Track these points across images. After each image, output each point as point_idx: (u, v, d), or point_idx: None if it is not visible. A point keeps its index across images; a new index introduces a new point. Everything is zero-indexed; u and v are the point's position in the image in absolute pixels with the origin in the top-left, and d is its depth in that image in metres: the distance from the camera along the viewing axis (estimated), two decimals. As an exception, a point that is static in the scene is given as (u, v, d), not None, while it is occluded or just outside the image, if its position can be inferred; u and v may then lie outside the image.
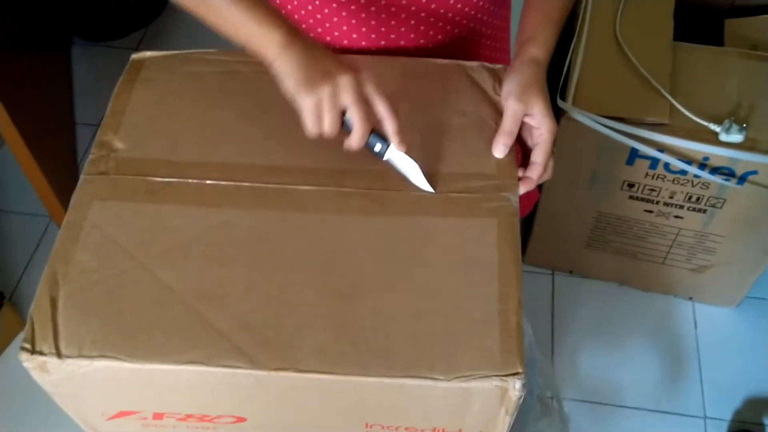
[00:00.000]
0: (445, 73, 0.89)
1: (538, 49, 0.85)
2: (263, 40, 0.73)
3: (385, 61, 0.90)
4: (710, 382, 1.61)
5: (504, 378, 0.65)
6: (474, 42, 0.97)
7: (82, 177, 0.78)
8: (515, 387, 0.65)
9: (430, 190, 0.77)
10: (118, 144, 0.81)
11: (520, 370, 0.65)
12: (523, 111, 0.80)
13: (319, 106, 0.71)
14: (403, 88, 0.87)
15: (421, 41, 0.93)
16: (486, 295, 0.70)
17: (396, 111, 0.74)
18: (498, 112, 0.83)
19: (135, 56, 0.90)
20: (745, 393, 1.60)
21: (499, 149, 0.80)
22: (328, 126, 0.72)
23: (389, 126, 0.74)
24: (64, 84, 2.13)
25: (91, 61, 2.23)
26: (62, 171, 1.85)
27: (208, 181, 0.78)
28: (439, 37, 0.93)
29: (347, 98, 0.71)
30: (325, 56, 0.73)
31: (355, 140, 0.74)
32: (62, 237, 0.74)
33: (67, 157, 1.95)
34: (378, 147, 0.76)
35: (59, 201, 1.74)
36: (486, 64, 0.89)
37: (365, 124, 0.73)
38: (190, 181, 0.78)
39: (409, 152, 0.76)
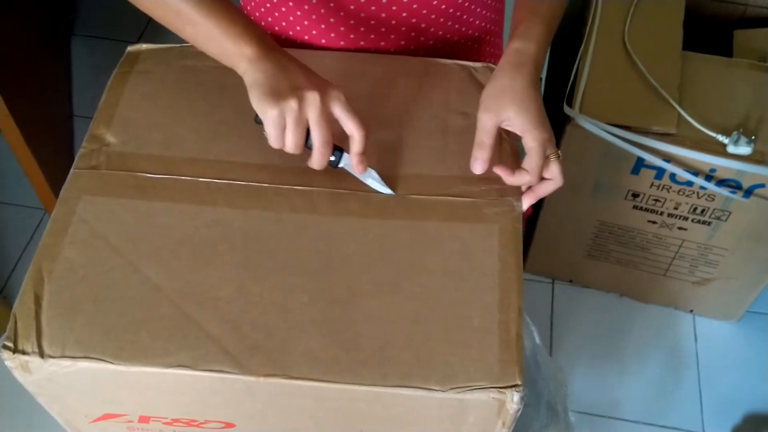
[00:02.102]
0: (448, 74, 0.87)
1: (524, 45, 0.78)
2: (235, 54, 0.71)
3: (386, 59, 0.88)
4: (709, 396, 1.59)
5: (502, 390, 0.63)
6: (460, 44, 0.94)
7: (72, 171, 0.77)
8: (513, 400, 0.63)
9: (390, 192, 0.75)
10: (110, 138, 0.79)
11: (519, 383, 0.63)
12: (494, 121, 0.75)
13: (282, 120, 0.68)
14: (405, 87, 0.85)
15: (402, 42, 0.90)
16: (486, 304, 0.68)
17: (367, 128, 0.71)
18: None
19: (131, 48, 0.88)
20: (745, 409, 1.58)
21: (475, 165, 0.76)
22: (291, 144, 0.69)
23: (354, 146, 0.72)
24: (62, 76, 2.11)
25: (91, 54, 2.22)
26: (58, 163, 1.84)
27: (201, 179, 0.76)
28: (422, 38, 0.90)
29: (312, 116, 0.68)
30: (297, 70, 0.70)
31: (315, 162, 0.71)
32: (49, 232, 0.72)
33: (63, 150, 1.94)
34: (332, 158, 0.73)
35: (54, 194, 1.73)
36: (491, 65, 0.87)
37: (326, 147, 0.70)
38: (183, 178, 0.76)
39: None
